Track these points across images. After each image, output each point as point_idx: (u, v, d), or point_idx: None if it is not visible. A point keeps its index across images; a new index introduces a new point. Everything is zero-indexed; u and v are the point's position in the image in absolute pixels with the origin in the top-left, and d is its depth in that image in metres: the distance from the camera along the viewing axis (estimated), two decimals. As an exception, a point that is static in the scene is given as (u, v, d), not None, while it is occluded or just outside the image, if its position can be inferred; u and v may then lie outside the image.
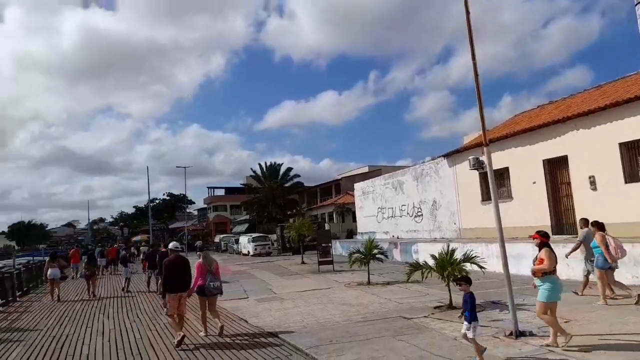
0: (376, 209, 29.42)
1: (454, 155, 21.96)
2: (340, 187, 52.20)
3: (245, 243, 37.73)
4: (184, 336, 7.89)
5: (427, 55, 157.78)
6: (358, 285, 14.34)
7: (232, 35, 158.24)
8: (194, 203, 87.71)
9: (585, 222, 10.23)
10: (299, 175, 60.52)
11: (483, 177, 18.65)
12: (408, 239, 23.87)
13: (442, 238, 21.48)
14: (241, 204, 66.24)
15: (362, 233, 31.02)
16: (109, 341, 8.51)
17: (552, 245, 6.74)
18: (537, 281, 6.47)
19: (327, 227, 26.27)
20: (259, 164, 60.70)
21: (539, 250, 6.59)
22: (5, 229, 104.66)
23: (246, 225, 61.71)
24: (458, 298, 10.33)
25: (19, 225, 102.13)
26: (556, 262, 6.45)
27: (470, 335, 5.80)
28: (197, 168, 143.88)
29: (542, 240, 6.62)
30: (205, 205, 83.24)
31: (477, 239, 17.98)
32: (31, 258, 35.02)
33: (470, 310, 5.83)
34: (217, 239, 51.52)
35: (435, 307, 9.87)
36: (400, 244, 22.35)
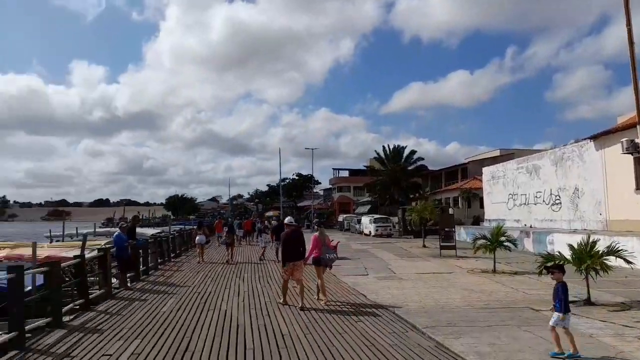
0: (507, 195, 27.49)
1: (602, 137, 19.43)
2: (467, 171, 49.67)
3: (367, 223, 38.32)
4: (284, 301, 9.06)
5: (576, 26, 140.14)
6: (482, 273, 13.73)
7: (362, 19, 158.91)
8: (320, 183, 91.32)
9: None
10: (422, 159, 59.12)
11: (638, 162, 16.24)
12: (542, 229, 21.94)
13: (584, 230, 19.29)
14: (364, 185, 67.09)
15: (489, 220, 29.32)
16: (243, 301, 9.51)
17: None
18: None
19: (451, 211, 25.32)
20: (383, 147, 60.61)
21: None
22: (164, 201, 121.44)
23: (368, 207, 62.43)
24: (598, 294, 9.34)
25: (174, 198, 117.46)
26: None
27: (559, 324, 5.62)
28: (324, 150, 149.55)
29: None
30: (331, 186, 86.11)
31: (627, 233, 15.81)
32: (183, 226, 40.14)
33: (560, 301, 5.64)
34: (340, 219, 53.06)
35: (570, 302, 9.03)
36: (533, 234, 20.66)
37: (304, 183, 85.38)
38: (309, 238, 9.68)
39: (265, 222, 41.04)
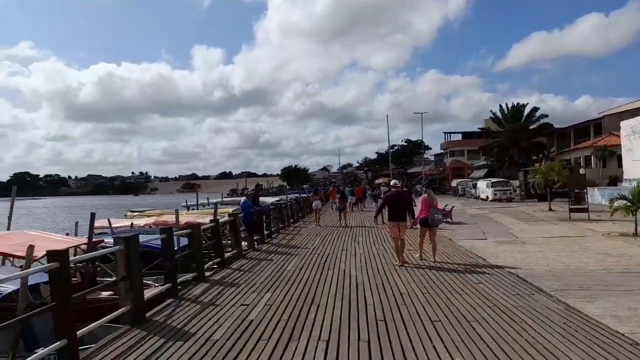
0: (652, 151, 24.00)
1: None
2: (601, 126, 44.17)
3: (484, 188, 36.46)
4: (402, 260, 9.50)
5: None
6: (620, 236, 12.40)
7: None
8: (430, 149, 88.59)
9: None
10: (546, 115, 53.77)
11: None
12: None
13: None
14: (479, 148, 63.45)
15: (629, 180, 25.94)
16: (360, 262, 9.86)
17: None
18: None
19: (582, 171, 22.92)
20: (500, 106, 56.45)
21: None
22: (279, 172, 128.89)
23: (485, 171, 59.09)
24: None
25: (288, 169, 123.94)
26: None
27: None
28: (434, 114, 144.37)
29: None
30: (442, 151, 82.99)
31: None
32: (298, 194, 42.27)
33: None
34: (453, 184, 51.15)
35: None
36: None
37: (414, 149, 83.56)
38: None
39: (376, 189, 41.49)
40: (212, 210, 19.20)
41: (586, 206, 17.72)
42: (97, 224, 17.34)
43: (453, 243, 12.52)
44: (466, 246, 11.73)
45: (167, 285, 6.91)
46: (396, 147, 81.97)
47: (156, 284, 8.10)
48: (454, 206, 19.92)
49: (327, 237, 14.80)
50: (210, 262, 9.17)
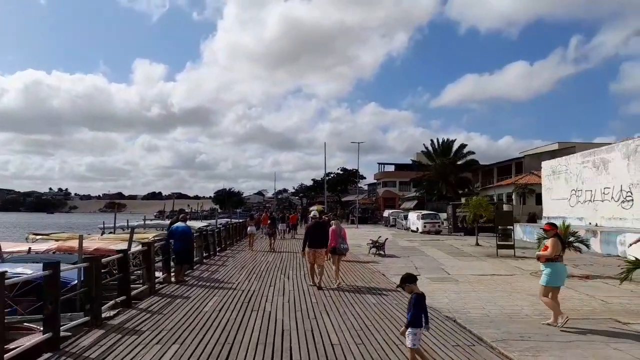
0: (569, 191, 25.51)
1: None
2: (522, 165, 47.12)
3: (414, 219, 37.05)
4: (315, 283, 10.50)
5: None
6: (548, 276, 12.50)
7: (418, 11, 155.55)
8: (365, 178, 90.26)
9: None
10: (473, 152, 56.71)
11: None
12: (611, 228, 20.08)
13: (662, 230, 17.37)
14: (410, 180, 65.47)
15: (549, 217, 27.38)
16: (289, 301, 8.92)
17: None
18: (541, 266, 7.24)
19: (508, 208, 23.77)
20: (431, 140, 58.78)
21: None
22: (212, 195, 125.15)
23: (415, 202, 60.85)
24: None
25: (222, 192, 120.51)
26: (561, 250, 7.18)
27: (408, 343, 4.98)
28: (370, 144, 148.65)
29: (550, 229, 7.37)
30: (375, 181, 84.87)
31: None
32: (229, 219, 40.54)
33: (412, 314, 4.99)
34: (385, 214, 51.85)
35: (662, 315, 7.82)
36: (602, 233, 18.93)
37: (349, 177, 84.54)
38: (350, 232, 10.97)
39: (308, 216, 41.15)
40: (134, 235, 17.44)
41: (512, 243, 18.10)
42: (-14, 247, 15.03)
43: (386, 279, 11.97)
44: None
45: (47, 335, 5.56)
46: (332, 175, 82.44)
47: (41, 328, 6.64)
48: (387, 238, 19.63)
49: (254, 270, 13.71)
50: (112, 302, 7.77)
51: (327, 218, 14.58)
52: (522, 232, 26.44)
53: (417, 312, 5.05)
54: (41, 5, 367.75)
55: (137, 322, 7.15)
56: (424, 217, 35.49)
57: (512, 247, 17.87)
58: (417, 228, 35.46)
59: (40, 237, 18.22)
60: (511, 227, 18.77)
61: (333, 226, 11.21)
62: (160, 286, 10.39)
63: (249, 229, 22.10)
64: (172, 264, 11.52)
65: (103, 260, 7.95)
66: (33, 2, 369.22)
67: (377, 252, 18.23)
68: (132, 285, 9.18)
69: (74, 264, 9.02)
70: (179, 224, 12.39)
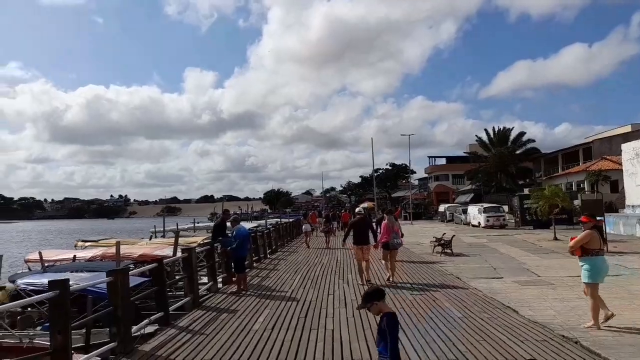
0: (659, 175, 22.35)
1: None
2: (590, 151, 43.09)
3: (476, 213, 34.43)
4: (367, 279, 10.41)
5: None
6: (667, 276, 10.24)
7: (465, 0, 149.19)
8: (415, 173, 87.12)
9: None
10: (533, 140, 52.97)
11: None
12: None
13: None
14: (465, 173, 62.13)
15: (632, 206, 24.26)
16: (353, 315, 7.41)
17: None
18: (579, 261, 6.75)
19: (598, 195, 20.95)
20: (485, 130, 55.52)
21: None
22: (262, 196, 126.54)
23: (471, 195, 57.56)
24: None
25: (271, 193, 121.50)
26: (601, 244, 6.70)
27: None
28: (419, 139, 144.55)
29: (588, 221, 6.80)
30: (427, 175, 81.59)
31: None
32: (279, 219, 39.71)
33: (392, 342, 3.55)
34: (441, 209, 49.12)
35: None
36: None
37: (398, 172, 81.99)
38: (405, 229, 10.89)
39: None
40: (183, 239, 16.59)
41: (604, 237, 15.61)
42: (32, 256, 14.59)
43: (463, 283, 10.18)
44: (482, 289, 9.38)
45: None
46: (380, 171, 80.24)
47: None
48: (454, 235, 17.65)
49: (309, 274, 12.29)
50: (145, 321, 6.56)
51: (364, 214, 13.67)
52: (604, 224, 23.48)
53: (396, 339, 3.63)
54: (98, 24, 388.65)
55: (173, 348, 5.88)
56: (486, 210, 32.85)
57: (604, 241, 15.38)
58: (479, 222, 32.88)
59: (89, 243, 17.81)
60: (602, 218, 16.24)
61: (385, 220, 11.18)
62: (206, 296, 9.19)
63: (304, 227, 22.97)
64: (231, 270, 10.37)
65: (135, 271, 6.77)
66: (91, 21, 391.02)
67: (443, 251, 16.35)
68: (172, 299, 8.03)
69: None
70: (240, 225, 10.71)
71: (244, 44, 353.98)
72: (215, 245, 10.57)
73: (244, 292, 9.60)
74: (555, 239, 19.95)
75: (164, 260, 7.73)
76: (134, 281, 8.56)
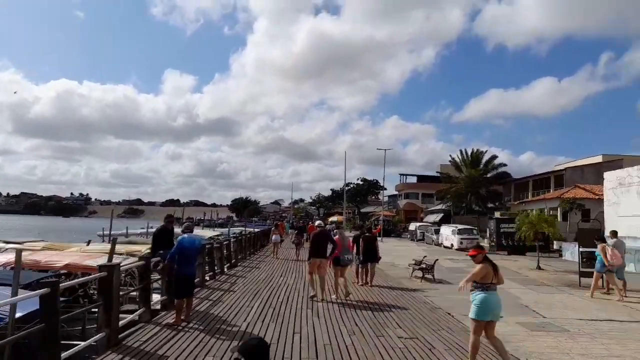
0: (643, 207, 21.48)
1: None
2: (562, 179, 42.92)
3: (449, 234, 33.19)
4: (315, 295, 9.91)
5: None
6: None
7: (446, 27, 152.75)
8: (385, 189, 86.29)
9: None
10: (505, 165, 52.84)
11: None
12: None
13: None
14: (436, 192, 61.52)
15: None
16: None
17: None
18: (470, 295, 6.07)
19: (594, 224, 19.78)
20: (460, 150, 55.16)
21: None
22: (229, 202, 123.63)
23: (440, 215, 56.86)
24: None
25: (239, 200, 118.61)
26: (494, 277, 5.87)
27: None
28: (390, 158, 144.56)
29: (477, 254, 6.06)
30: (397, 192, 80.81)
31: None
32: (244, 228, 37.36)
33: None
34: (412, 227, 47.92)
35: None
36: None
37: (369, 188, 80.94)
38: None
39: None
40: (127, 245, 14.17)
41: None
42: None
43: (458, 322, 8.33)
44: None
45: None
46: (351, 185, 78.90)
47: None
48: (437, 259, 15.91)
49: (271, 298, 10.16)
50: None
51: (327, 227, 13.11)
52: (571, 254, 22.42)
53: None
54: (79, 18, 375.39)
55: None
56: (460, 232, 31.63)
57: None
58: (452, 244, 31.64)
59: (10, 245, 14.98)
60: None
61: (337, 236, 10.81)
62: (132, 329, 6.94)
63: (273, 237, 22.47)
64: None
65: (25, 295, 4.56)
66: (71, 15, 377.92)
67: (424, 276, 14.58)
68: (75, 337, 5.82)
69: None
70: (185, 235, 7.92)
71: (227, 51, 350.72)
72: (154, 260, 8.30)
73: (184, 322, 7.42)
74: (539, 267, 18.61)
75: (68, 282, 5.48)
76: (22, 309, 6.31)
